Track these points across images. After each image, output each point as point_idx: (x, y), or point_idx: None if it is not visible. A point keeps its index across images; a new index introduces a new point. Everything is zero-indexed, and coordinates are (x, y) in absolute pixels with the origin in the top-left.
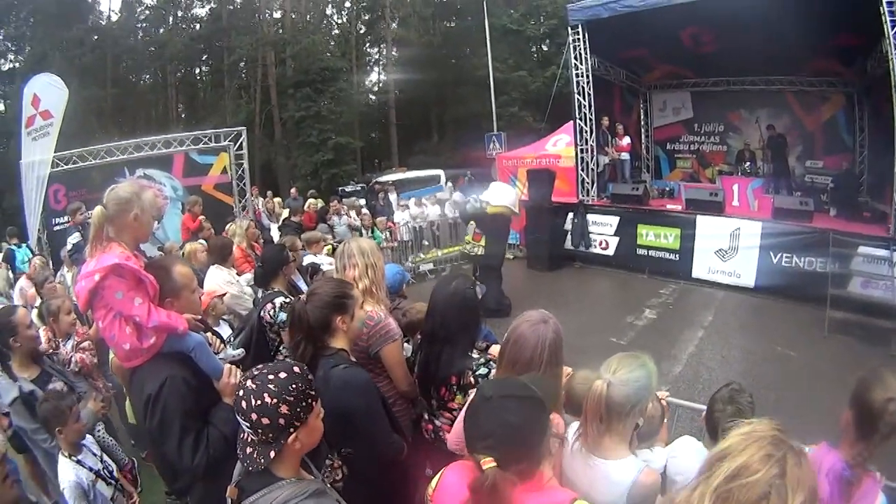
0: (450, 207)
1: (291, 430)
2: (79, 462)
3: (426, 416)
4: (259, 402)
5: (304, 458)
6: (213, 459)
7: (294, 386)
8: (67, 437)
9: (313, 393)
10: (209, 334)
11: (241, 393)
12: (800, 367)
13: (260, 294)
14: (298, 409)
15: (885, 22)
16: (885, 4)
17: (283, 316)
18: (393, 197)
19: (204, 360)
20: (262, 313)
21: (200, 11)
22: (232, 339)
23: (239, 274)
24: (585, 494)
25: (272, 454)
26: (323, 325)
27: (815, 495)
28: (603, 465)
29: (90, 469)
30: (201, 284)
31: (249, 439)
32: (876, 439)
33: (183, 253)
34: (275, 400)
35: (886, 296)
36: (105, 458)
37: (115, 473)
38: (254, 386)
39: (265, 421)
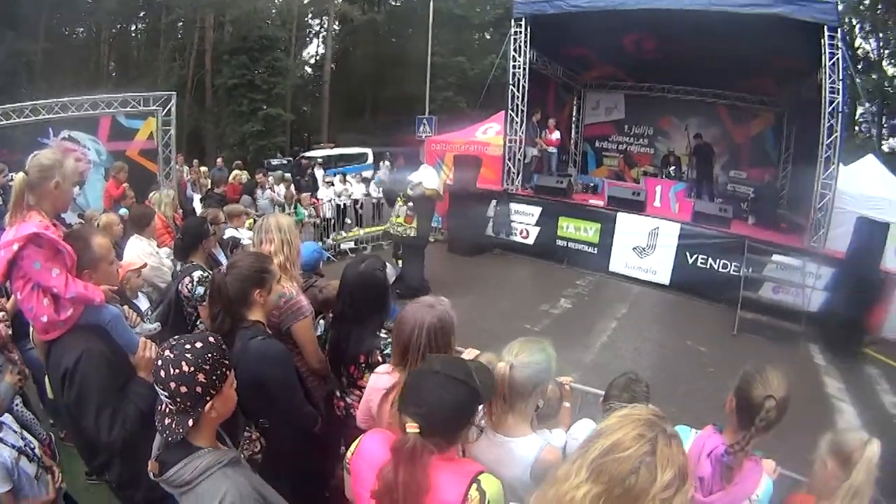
0: (374, 187)
1: (208, 398)
2: (0, 440)
3: (338, 394)
4: (177, 370)
5: (220, 431)
6: (130, 434)
7: (210, 355)
8: None
9: (227, 362)
10: (126, 307)
11: (159, 363)
12: (709, 362)
13: (178, 267)
14: (214, 378)
15: (824, 53)
16: (826, 37)
17: (200, 290)
18: (319, 173)
19: (120, 333)
20: (179, 287)
21: None
22: (150, 312)
23: (160, 246)
24: (491, 470)
25: (190, 422)
26: (241, 297)
27: (684, 474)
28: (507, 443)
29: (12, 446)
30: (121, 256)
31: (168, 409)
32: (753, 431)
33: (98, 224)
34: (192, 368)
35: (797, 301)
36: (26, 434)
37: (36, 451)
38: (172, 355)
39: (183, 389)
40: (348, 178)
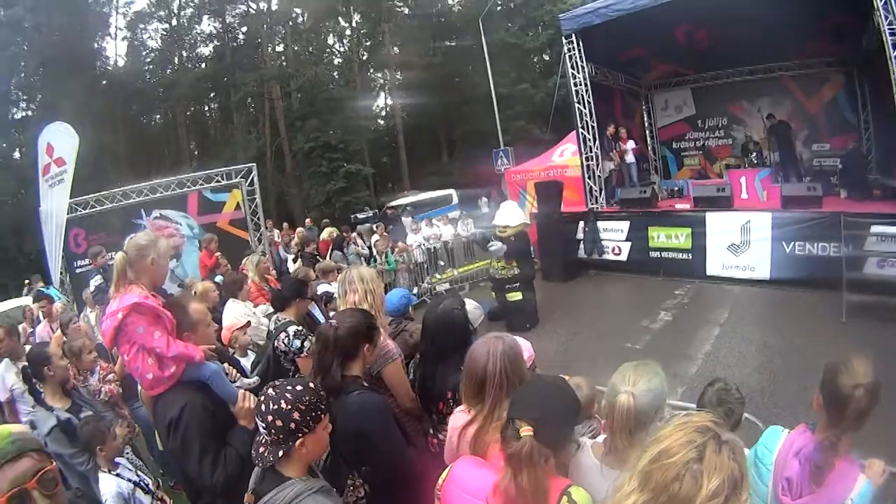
0: (462, 226)
1: (300, 434)
2: (118, 475)
3: (430, 431)
4: (275, 406)
5: (314, 468)
6: (230, 477)
7: (307, 398)
8: (107, 454)
9: (323, 407)
10: (225, 364)
11: (261, 398)
12: (819, 356)
13: (273, 326)
14: (308, 418)
15: None
16: None
17: (297, 343)
18: (408, 220)
19: (219, 387)
20: (276, 343)
21: (205, 50)
22: (250, 369)
23: (256, 307)
24: None
25: (280, 452)
26: (351, 351)
27: (735, 482)
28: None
29: (129, 480)
30: (217, 321)
31: (263, 440)
32: (844, 425)
33: (196, 292)
34: (289, 406)
35: None
36: (140, 472)
37: (150, 485)
38: (273, 393)
39: (278, 423)
40: (435, 220)
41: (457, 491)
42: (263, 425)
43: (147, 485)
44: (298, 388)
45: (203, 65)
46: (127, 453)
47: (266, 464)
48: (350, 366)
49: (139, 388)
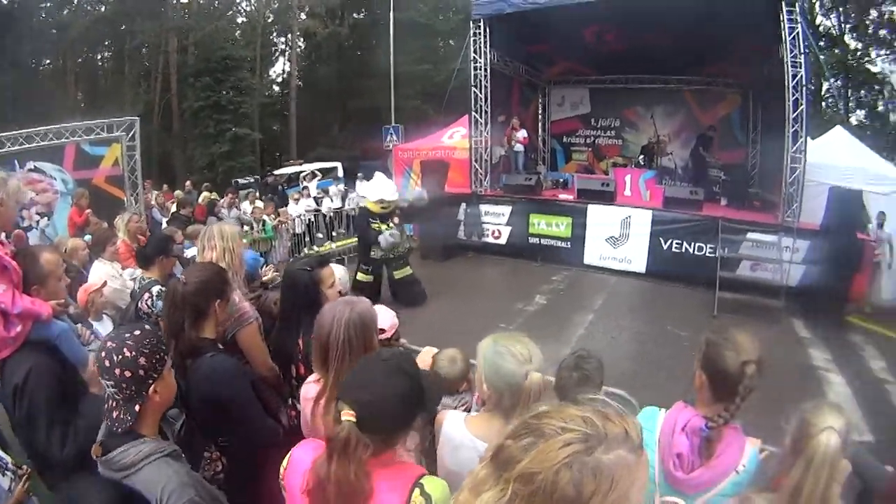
0: (345, 200)
1: (150, 381)
2: None
3: (290, 402)
4: (120, 356)
5: (163, 428)
6: (83, 450)
7: (148, 340)
8: None
9: (164, 347)
10: (79, 326)
11: (102, 354)
12: (689, 345)
13: (137, 286)
14: (154, 361)
15: (784, 27)
16: (784, 12)
17: (160, 304)
18: (312, 185)
19: (68, 348)
20: (139, 304)
21: None
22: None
23: (124, 268)
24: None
25: (137, 408)
26: (202, 308)
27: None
28: None
29: None
30: (85, 280)
31: (114, 402)
32: (737, 401)
33: (65, 250)
34: (133, 353)
35: (775, 277)
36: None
37: (9, 465)
38: (113, 345)
39: (127, 374)
40: (318, 192)
41: (297, 478)
42: (111, 383)
43: (6, 463)
44: (136, 332)
45: (103, 7)
46: None
47: (126, 425)
48: (202, 326)
49: None
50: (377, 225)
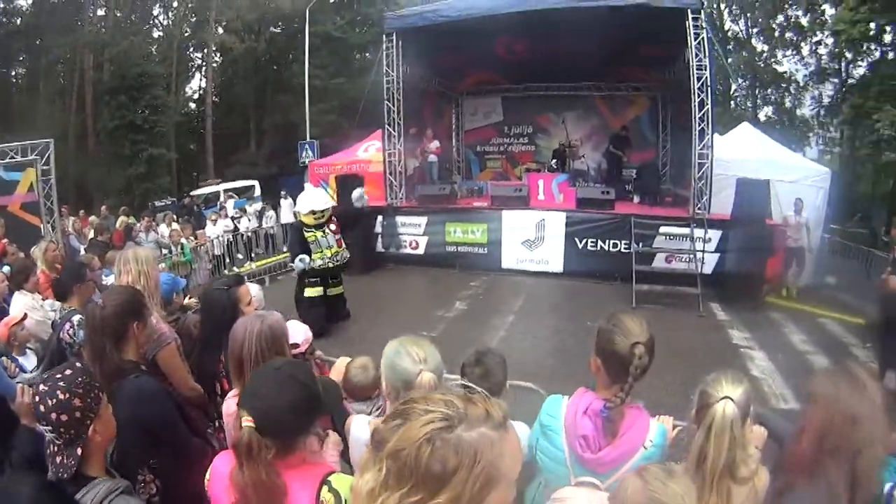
0: (264, 219)
1: (88, 422)
2: None
3: (217, 424)
4: (54, 400)
5: (111, 469)
6: None
7: (80, 379)
8: None
9: (97, 385)
10: (4, 359)
11: (37, 398)
12: None
13: (58, 316)
14: (89, 400)
15: (689, 34)
16: (690, 20)
17: (82, 333)
18: (230, 204)
19: None
20: (61, 334)
21: (22, 2)
22: (37, 370)
23: (44, 299)
24: None
25: (79, 451)
26: (120, 331)
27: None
28: None
29: None
30: (6, 313)
31: (55, 447)
32: (630, 381)
33: None
34: (67, 394)
35: (690, 267)
36: None
37: None
38: (46, 388)
39: (63, 417)
40: (236, 211)
41: (220, 489)
42: (50, 428)
43: None
44: (67, 372)
45: (18, 20)
46: None
47: (70, 470)
48: (124, 349)
49: None
50: (312, 234)
